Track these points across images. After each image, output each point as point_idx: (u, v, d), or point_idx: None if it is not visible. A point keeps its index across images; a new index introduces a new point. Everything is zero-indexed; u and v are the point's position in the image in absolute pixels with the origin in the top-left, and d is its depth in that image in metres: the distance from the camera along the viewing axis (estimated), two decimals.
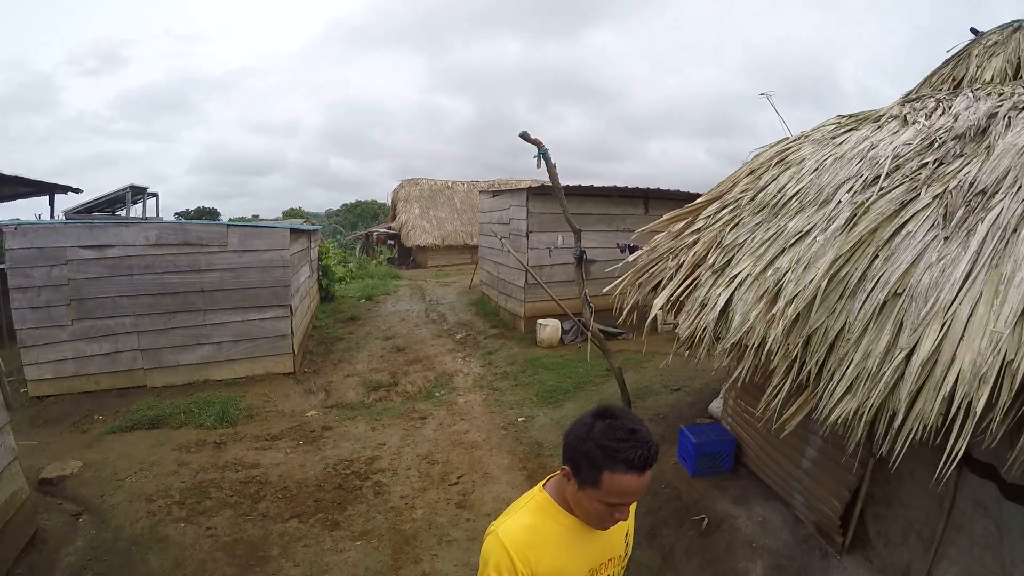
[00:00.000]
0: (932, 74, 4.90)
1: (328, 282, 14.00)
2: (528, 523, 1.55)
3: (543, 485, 1.66)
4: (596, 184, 10.00)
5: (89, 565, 3.83)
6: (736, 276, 3.00)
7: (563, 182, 5.91)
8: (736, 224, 3.51)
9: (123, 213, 11.25)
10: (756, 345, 2.62)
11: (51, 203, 11.76)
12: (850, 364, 2.17)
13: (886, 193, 2.73)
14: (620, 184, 10.30)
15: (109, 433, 6.00)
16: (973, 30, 5.06)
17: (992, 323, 1.85)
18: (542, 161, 5.63)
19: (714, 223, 3.67)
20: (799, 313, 2.48)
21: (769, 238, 3.07)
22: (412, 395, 7.43)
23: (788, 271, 2.70)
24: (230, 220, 30.40)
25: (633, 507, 1.69)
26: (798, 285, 2.56)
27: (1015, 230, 2.16)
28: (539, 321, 9.28)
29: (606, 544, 1.64)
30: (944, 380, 1.84)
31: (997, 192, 2.42)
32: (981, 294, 1.99)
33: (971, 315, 1.93)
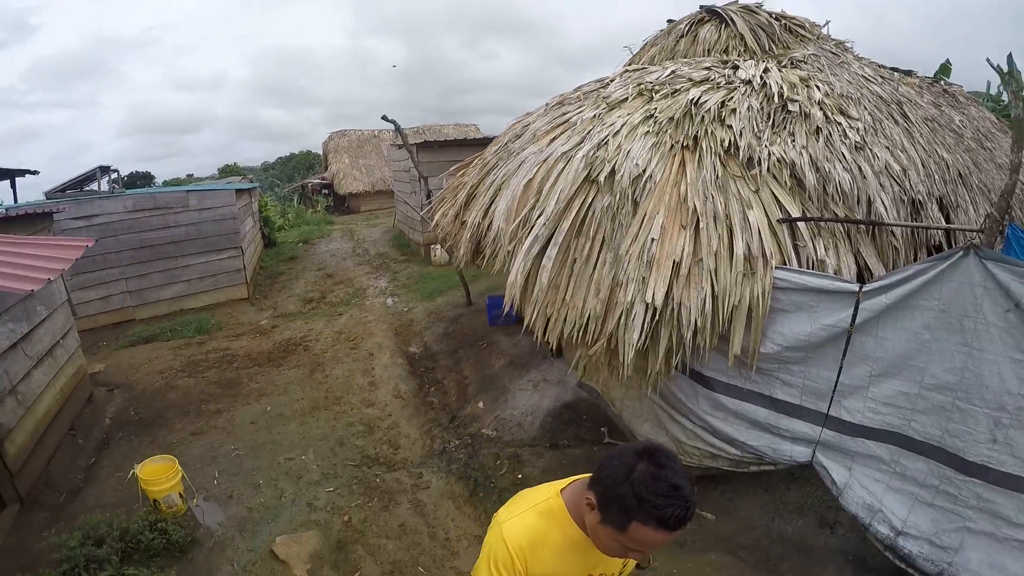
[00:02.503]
0: (634, 55, 6.50)
1: (269, 230, 16.48)
2: (533, 525, 1.56)
3: (561, 490, 1.62)
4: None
5: (128, 407, 6.49)
6: (466, 202, 5.71)
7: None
8: (483, 169, 5.76)
9: (94, 188, 13.29)
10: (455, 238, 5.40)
11: (13, 186, 12.28)
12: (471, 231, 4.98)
13: (515, 154, 4.93)
14: None
15: (116, 350, 8.54)
16: (669, 20, 6.50)
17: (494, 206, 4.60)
18: (398, 135, 8.49)
19: (474, 169, 6.08)
20: (477, 221, 5.21)
21: (512, 208, 5.66)
22: (335, 303, 10.30)
23: (489, 221, 5.35)
24: (164, 183, 31.24)
25: None
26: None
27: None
28: (432, 246, 12.19)
29: (602, 560, 1.62)
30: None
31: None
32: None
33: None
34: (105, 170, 12.32)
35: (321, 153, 29.36)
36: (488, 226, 4.39)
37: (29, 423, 4.85)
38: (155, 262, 9.90)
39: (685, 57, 5.64)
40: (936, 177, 4.36)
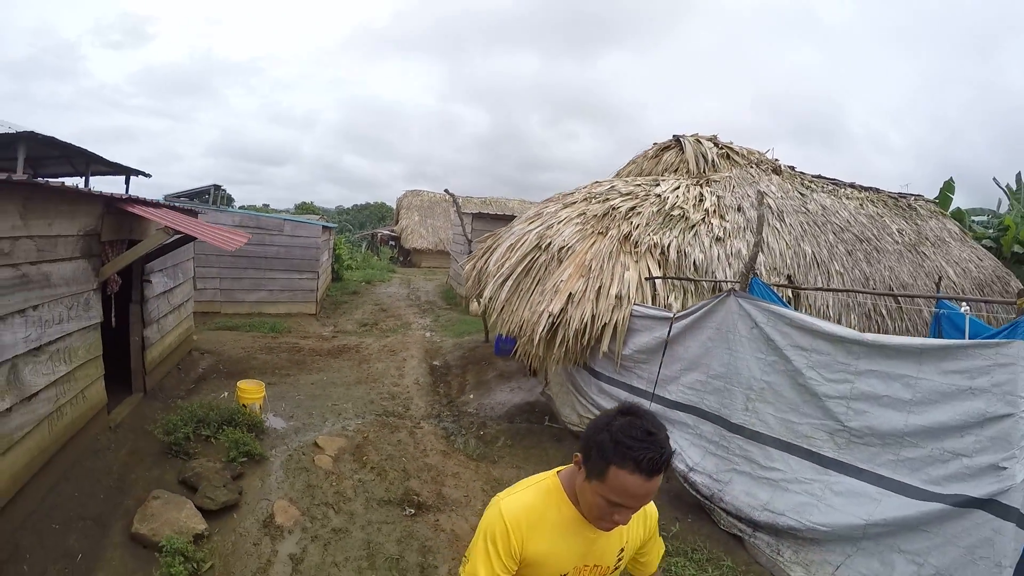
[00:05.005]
0: (623, 168, 9.09)
1: (339, 267, 19.13)
2: (530, 503, 1.65)
3: (558, 472, 1.73)
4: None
5: (218, 364, 8.72)
6: (482, 269, 8.08)
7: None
8: (496, 238, 8.47)
9: (207, 199, 16.37)
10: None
11: (127, 182, 13.94)
12: (477, 272, 7.40)
13: (511, 229, 7.67)
14: None
15: (205, 331, 10.80)
16: (655, 143, 8.80)
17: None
18: (455, 205, 11.07)
19: (493, 238, 8.71)
20: (480, 266, 7.65)
21: (498, 259, 8.03)
22: (385, 330, 12.70)
23: (488, 267, 7.75)
24: (240, 207, 34.25)
25: (645, 524, 1.86)
26: (493, 273, 7.56)
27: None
28: (472, 299, 14.60)
29: (597, 548, 1.70)
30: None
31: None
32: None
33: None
34: (218, 188, 15.52)
35: (394, 207, 32.69)
36: (486, 269, 6.80)
37: (159, 347, 7.11)
38: (247, 270, 12.52)
39: (651, 174, 8.08)
40: (789, 261, 6.51)
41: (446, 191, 11.83)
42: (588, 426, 1.59)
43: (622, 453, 1.43)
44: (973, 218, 14.23)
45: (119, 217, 5.31)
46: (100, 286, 5.04)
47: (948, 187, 13.59)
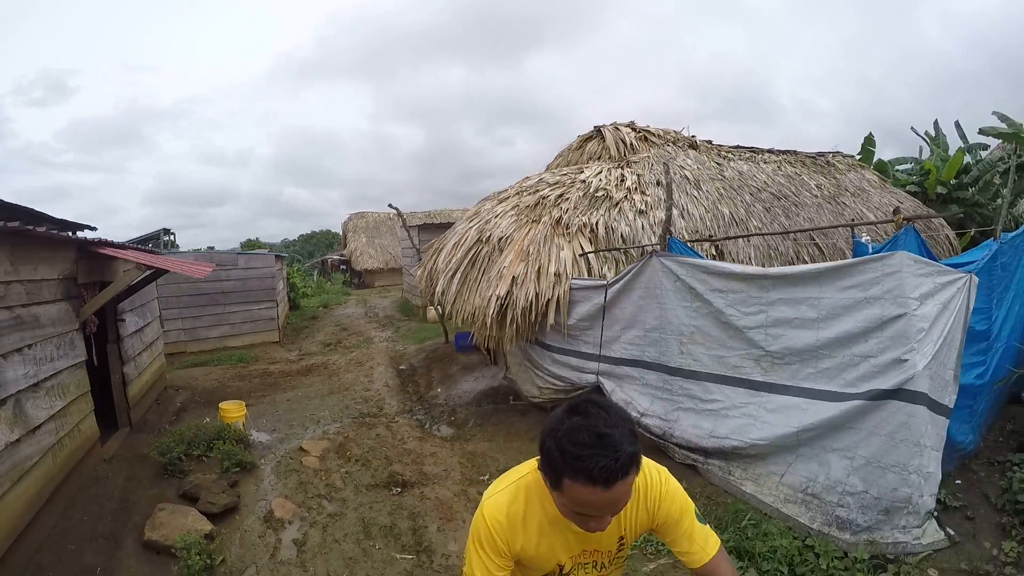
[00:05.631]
0: (551, 162, 9.67)
1: (295, 295, 19.41)
2: (509, 502, 1.58)
3: (538, 465, 1.55)
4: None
5: (193, 396, 8.99)
6: (432, 270, 8.64)
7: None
8: (441, 239, 9.05)
9: (153, 244, 16.44)
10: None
11: None
12: (428, 273, 7.95)
13: (455, 229, 8.25)
14: None
15: (175, 370, 11.05)
16: (579, 136, 9.70)
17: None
18: (401, 219, 11.56)
19: (439, 240, 9.25)
20: (431, 267, 8.22)
21: (446, 257, 8.59)
22: (349, 346, 13.10)
23: (436, 266, 8.36)
24: (191, 250, 34.01)
25: (646, 507, 1.64)
26: (442, 270, 8.18)
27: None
28: (428, 308, 15.10)
29: (592, 536, 1.58)
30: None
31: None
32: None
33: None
34: (167, 231, 15.69)
35: (340, 232, 32.84)
36: (436, 268, 7.35)
37: (138, 384, 7.43)
38: (207, 307, 12.71)
39: (576, 163, 8.67)
40: (708, 224, 7.21)
41: (390, 205, 12.32)
42: (543, 428, 1.45)
43: (571, 465, 1.30)
44: (897, 167, 14.91)
45: (91, 261, 5.69)
46: (81, 326, 5.41)
47: (869, 141, 14.27)
